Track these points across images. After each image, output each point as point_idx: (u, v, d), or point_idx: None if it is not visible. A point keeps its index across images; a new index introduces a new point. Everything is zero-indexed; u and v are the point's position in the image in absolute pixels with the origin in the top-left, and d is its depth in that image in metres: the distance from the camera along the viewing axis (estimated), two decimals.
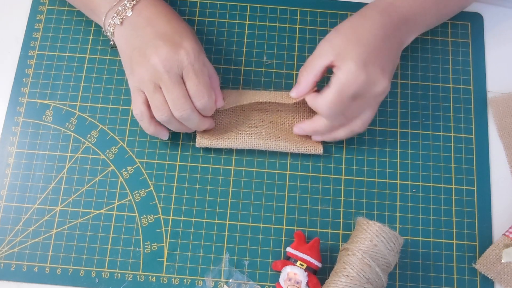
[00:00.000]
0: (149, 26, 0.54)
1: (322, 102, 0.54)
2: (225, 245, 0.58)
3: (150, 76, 0.53)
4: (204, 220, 0.59)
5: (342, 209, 0.59)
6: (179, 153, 0.61)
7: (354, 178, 0.60)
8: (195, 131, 0.60)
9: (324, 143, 0.60)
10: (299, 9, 0.66)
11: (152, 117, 0.56)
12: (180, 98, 0.53)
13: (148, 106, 0.55)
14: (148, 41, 0.53)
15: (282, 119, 0.61)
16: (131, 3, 0.55)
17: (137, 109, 0.55)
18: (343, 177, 0.60)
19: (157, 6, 0.56)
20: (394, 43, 0.55)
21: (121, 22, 0.55)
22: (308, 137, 0.60)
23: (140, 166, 0.60)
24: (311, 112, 0.60)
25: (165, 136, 0.58)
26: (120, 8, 0.55)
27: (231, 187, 0.60)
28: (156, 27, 0.54)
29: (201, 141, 0.59)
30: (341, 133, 0.58)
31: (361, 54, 0.52)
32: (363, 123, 0.57)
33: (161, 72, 0.52)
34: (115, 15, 0.55)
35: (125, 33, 0.56)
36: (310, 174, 0.60)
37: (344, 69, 0.52)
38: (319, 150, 0.60)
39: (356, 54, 0.52)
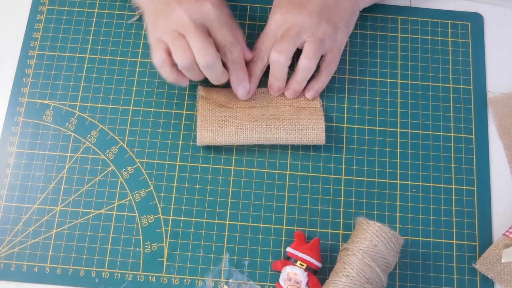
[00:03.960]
0: None
1: (256, 46, 0.61)
2: (225, 245, 0.58)
3: (174, 26, 0.54)
4: (204, 220, 0.59)
5: (342, 209, 0.59)
6: (179, 153, 0.61)
7: (354, 178, 0.60)
8: (195, 131, 0.60)
9: (324, 143, 0.60)
10: None
11: (173, 64, 0.56)
12: (206, 46, 0.53)
13: (169, 54, 0.55)
14: (170, 1, 0.54)
15: (283, 112, 0.61)
16: None
17: (158, 56, 0.55)
18: (343, 177, 0.60)
19: None
20: None
21: None
22: (309, 126, 0.59)
23: (140, 166, 0.60)
24: (311, 107, 0.60)
25: (185, 83, 0.58)
26: None
27: (231, 187, 0.60)
28: None
29: (202, 140, 0.59)
30: (298, 75, 0.60)
31: (280, 2, 0.61)
32: (305, 56, 0.58)
33: (186, 22, 0.53)
34: None
35: None
36: (310, 174, 0.60)
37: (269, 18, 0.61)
38: (322, 139, 0.59)
39: (277, 2, 0.61)
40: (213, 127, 0.59)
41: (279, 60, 0.58)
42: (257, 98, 0.62)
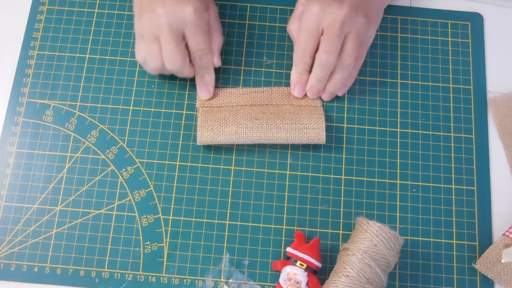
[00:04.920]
0: None
1: (295, 48, 0.59)
2: (225, 245, 0.58)
3: (152, 26, 0.55)
4: (204, 220, 0.59)
5: (342, 209, 0.59)
6: (179, 153, 0.61)
7: (354, 178, 0.60)
8: (195, 131, 0.60)
9: (325, 142, 0.60)
10: None
11: None
12: (173, 53, 0.55)
13: None
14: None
15: (284, 110, 0.61)
16: None
17: (139, 55, 0.58)
18: (343, 177, 0.60)
19: None
20: None
21: None
22: (309, 125, 0.59)
23: (140, 166, 0.60)
24: (311, 106, 0.60)
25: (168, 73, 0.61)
26: None
27: (231, 187, 0.60)
28: None
29: (202, 139, 0.59)
30: (337, 76, 0.59)
31: None
32: (347, 54, 0.57)
33: (163, 24, 0.54)
34: None
35: None
36: (310, 174, 0.60)
37: (303, 13, 0.58)
38: (322, 139, 0.59)
39: None
40: (214, 126, 0.59)
41: (329, 60, 0.57)
42: (258, 97, 0.62)
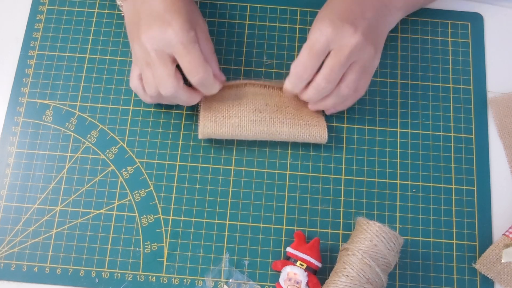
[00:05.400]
0: (145, 3, 0.55)
1: (296, 61, 0.55)
2: (225, 245, 0.58)
3: (141, 54, 0.54)
4: (204, 220, 0.59)
5: (342, 209, 0.59)
6: (179, 153, 0.61)
7: (354, 178, 0.60)
8: (195, 131, 0.60)
9: (326, 141, 0.60)
10: (299, 9, 0.66)
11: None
12: (163, 77, 0.53)
13: (142, 80, 0.57)
14: (142, 18, 0.54)
15: (286, 102, 0.60)
16: None
17: (132, 82, 0.58)
18: (343, 177, 0.60)
19: None
20: (374, 1, 0.57)
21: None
22: (311, 123, 0.59)
23: (140, 166, 0.60)
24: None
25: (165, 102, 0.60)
26: None
27: (231, 187, 0.60)
28: (152, 3, 0.54)
29: (205, 130, 0.58)
30: (329, 101, 0.57)
31: (328, 14, 0.55)
32: (346, 85, 0.55)
33: (149, 51, 0.53)
34: None
35: (128, 8, 0.57)
36: (310, 174, 0.60)
37: (313, 29, 0.54)
38: (324, 137, 0.59)
39: (323, 15, 0.55)
40: (217, 117, 0.58)
41: (326, 88, 0.55)
42: (260, 90, 0.61)
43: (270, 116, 0.58)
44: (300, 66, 0.54)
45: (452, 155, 0.61)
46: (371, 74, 0.58)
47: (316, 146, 0.61)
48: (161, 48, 0.53)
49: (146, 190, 0.59)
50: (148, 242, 0.58)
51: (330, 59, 0.53)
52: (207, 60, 0.55)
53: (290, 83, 0.56)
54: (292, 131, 0.58)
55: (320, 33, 0.53)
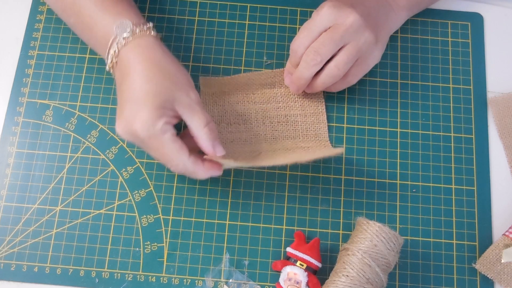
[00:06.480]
0: (123, 83, 0.52)
1: (295, 39, 0.56)
2: (225, 245, 0.58)
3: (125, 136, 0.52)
4: (204, 220, 0.59)
5: (342, 209, 0.59)
6: None
7: (354, 178, 0.60)
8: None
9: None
10: (299, 9, 0.67)
11: None
12: (160, 158, 0.52)
13: None
14: (119, 95, 0.53)
15: (293, 147, 0.60)
16: (115, 51, 0.53)
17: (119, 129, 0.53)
18: (343, 177, 0.60)
19: (139, 56, 0.52)
20: None
21: (111, 68, 0.55)
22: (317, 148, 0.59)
23: (140, 166, 0.60)
24: (317, 112, 0.60)
25: None
26: (110, 53, 0.54)
27: (231, 187, 0.60)
28: (129, 85, 0.51)
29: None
30: (319, 79, 0.56)
31: (329, 2, 0.55)
32: (336, 65, 0.54)
33: (129, 140, 0.51)
34: (106, 59, 0.55)
35: (116, 76, 0.55)
36: (310, 174, 0.60)
37: (313, 13, 0.56)
38: (335, 153, 0.58)
39: (325, 2, 0.56)
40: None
41: (314, 60, 0.54)
42: (259, 94, 0.62)
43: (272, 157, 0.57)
44: (296, 42, 0.56)
45: (452, 155, 0.61)
46: (368, 65, 0.57)
47: None
48: (135, 141, 0.51)
49: (146, 190, 0.59)
50: (148, 242, 0.58)
51: (325, 34, 0.54)
52: (195, 137, 0.51)
53: (290, 62, 0.58)
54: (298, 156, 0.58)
55: (317, 12, 0.55)
